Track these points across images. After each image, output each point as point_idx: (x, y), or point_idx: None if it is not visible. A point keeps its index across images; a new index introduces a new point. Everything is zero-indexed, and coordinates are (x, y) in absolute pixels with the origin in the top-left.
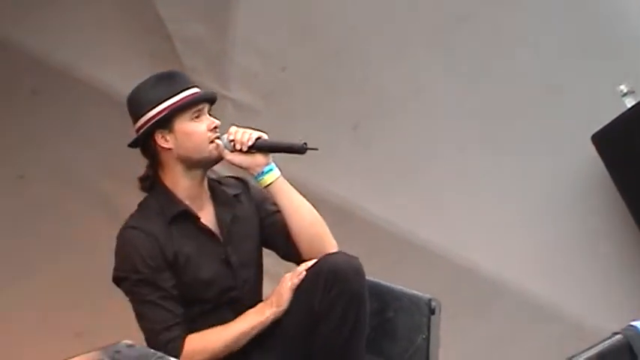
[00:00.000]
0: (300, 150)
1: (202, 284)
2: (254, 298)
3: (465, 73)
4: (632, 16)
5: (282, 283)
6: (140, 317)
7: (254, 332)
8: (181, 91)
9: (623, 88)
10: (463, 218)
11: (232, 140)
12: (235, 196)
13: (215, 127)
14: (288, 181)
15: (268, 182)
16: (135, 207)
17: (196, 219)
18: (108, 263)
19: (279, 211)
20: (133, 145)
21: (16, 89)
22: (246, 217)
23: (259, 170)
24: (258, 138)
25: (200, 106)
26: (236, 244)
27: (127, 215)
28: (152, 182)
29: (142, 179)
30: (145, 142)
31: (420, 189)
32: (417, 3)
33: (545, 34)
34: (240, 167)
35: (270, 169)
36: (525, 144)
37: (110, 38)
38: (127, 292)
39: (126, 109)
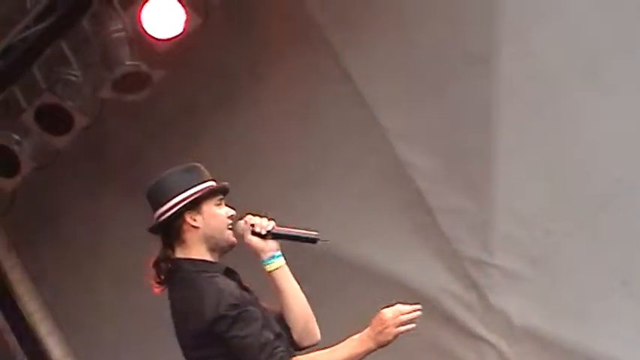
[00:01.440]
0: (312, 240)
1: (265, 316)
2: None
3: None
4: None
5: (386, 317)
6: (246, 347)
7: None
8: (206, 181)
9: None
10: None
11: (253, 224)
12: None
13: (231, 216)
14: None
15: (276, 267)
16: None
17: (236, 274)
18: None
19: None
20: (158, 226)
21: None
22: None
23: (270, 255)
24: (274, 226)
25: (221, 196)
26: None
27: None
28: (173, 268)
29: (161, 260)
30: (171, 224)
31: None
32: None
33: None
34: (255, 250)
35: (279, 255)
36: None
37: (371, 210)
38: (228, 329)
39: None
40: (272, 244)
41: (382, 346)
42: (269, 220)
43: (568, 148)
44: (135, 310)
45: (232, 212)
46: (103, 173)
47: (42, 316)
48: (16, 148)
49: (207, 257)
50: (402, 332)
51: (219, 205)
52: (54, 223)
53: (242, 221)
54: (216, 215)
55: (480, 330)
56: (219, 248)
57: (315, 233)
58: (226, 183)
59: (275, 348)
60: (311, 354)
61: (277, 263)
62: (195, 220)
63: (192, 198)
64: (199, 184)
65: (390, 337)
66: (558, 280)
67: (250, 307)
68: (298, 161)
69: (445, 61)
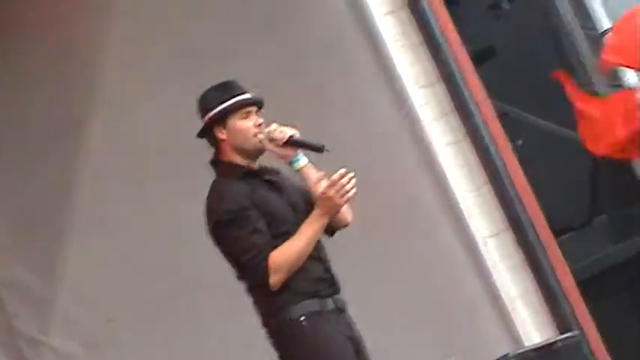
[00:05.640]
0: (319, 149)
1: (277, 217)
2: None
3: None
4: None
5: (330, 194)
6: (234, 250)
7: (317, 237)
8: (235, 96)
9: None
10: None
11: (272, 139)
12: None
13: (259, 125)
14: None
15: (300, 166)
16: None
17: (259, 174)
18: None
19: None
20: (199, 136)
21: None
22: (290, 184)
23: (290, 159)
24: (291, 136)
25: (248, 109)
26: (290, 192)
27: None
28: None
29: (212, 162)
30: (208, 134)
31: None
32: None
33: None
34: (277, 156)
35: (299, 159)
36: None
37: None
38: (231, 231)
39: None
40: (289, 151)
41: (335, 214)
42: (291, 128)
43: (144, 239)
44: None
45: (260, 121)
46: None
47: None
48: None
49: (238, 160)
50: (349, 199)
51: (245, 117)
52: None
53: (267, 130)
54: (240, 129)
55: None
56: (249, 155)
57: (321, 144)
58: (251, 96)
59: (258, 252)
60: (279, 247)
61: (300, 163)
62: (222, 133)
63: (215, 117)
64: (228, 99)
65: (340, 207)
66: None
67: (247, 212)
68: None
69: (35, 135)
